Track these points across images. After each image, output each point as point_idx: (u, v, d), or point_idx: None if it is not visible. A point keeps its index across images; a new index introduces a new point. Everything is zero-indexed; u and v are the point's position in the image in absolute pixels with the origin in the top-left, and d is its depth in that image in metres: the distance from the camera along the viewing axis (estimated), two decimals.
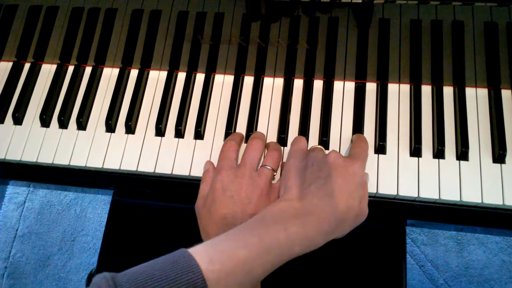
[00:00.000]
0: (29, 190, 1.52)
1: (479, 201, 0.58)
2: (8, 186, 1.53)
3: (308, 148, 0.61)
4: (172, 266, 0.40)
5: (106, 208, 1.45)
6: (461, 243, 1.29)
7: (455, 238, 1.30)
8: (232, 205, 0.56)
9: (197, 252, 0.43)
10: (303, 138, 0.61)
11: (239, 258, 0.43)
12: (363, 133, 0.63)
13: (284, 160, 0.62)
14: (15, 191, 1.53)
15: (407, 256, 1.30)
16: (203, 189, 0.60)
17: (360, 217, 0.55)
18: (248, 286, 0.44)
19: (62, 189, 1.47)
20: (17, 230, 1.48)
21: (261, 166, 0.60)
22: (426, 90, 0.65)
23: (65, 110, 0.69)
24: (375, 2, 0.60)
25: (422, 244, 1.30)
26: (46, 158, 0.67)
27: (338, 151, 0.63)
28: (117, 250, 0.77)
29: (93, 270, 0.92)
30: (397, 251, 0.72)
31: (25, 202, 1.51)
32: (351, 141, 0.63)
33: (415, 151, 0.61)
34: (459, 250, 1.29)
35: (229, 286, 0.42)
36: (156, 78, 0.71)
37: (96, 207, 1.48)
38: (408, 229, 1.32)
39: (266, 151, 0.62)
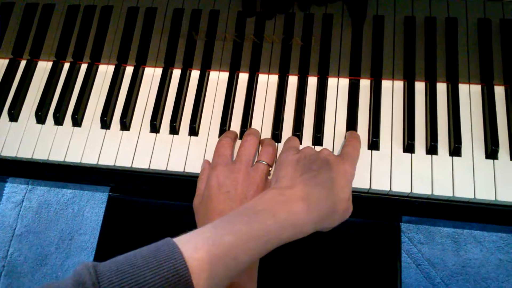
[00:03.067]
0: (27, 189, 1.52)
1: (472, 196, 0.58)
2: (6, 185, 1.54)
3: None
4: (155, 254, 0.40)
5: (103, 207, 1.45)
6: (458, 241, 1.29)
7: (452, 237, 1.30)
8: (228, 201, 0.56)
9: (181, 240, 0.43)
10: (296, 138, 0.62)
11: (224, 245, 0.43)
12: (356, 130, 0.63)
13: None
14: (13, 190, 1.53)
15: (404, 255, 1.30)
16: (200, 187, 0.61)
17: (347, 212, 0.55)
18: (235, 273, 0.44)
19: (60, 187, 1.48)
20: (14, 229, 1.48)
21: (256, 162, 0.60)
22: (420, 87, 0.65)
23: (60, 107, 0.69)
24: None
25: (419, 243, 1.30)
26: (41, 154, 0.67)
27: (332, 146, 0.63)
28: (114, 247, 0.77)
29: None
30: (392, 248, 0.72)
31: (23, 201, 1.51)
32: (345, 138, 0.63)
33: (408, 147, 0.61)
34: (456, 249, 1.29)
35: (214, 272, 0.41)
36: (151, 75, 0.71)
37: (93, 206, 1.48)
38: (405, 228, 1.32)
39: (260, 147, 0.63)
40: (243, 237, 0.44)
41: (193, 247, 0.42)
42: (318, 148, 0.63)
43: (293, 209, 0.48)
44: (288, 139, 0.62)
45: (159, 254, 0.40)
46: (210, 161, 0.63)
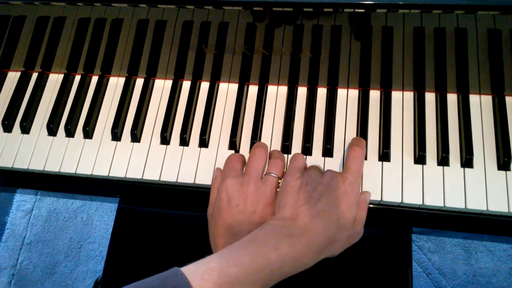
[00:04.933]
0: (37, 198, 1.54)
1: (484, 208, 0.58)
2: (16, 194, 1.55)
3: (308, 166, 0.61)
4: (164, 284, 0.41)
5: (112, 216, 1.46)
6: (468, 250, 1.28)
7: (462, 246, 1.29)
8: (237, 214, 0.56)
9: (188, 270, 0.44)
10: (302, 155, 0.61)
11: (230, 276, 0.44)
12: (367, 141, 0.63)
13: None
14: (23, 199, 1.54)
15: (414, 263, 1.29)
16: (211, 197, 0.61)
17: (353, 238, 0.56)
18: None
19: (69, 196, 1.48)
20: (24, 237, 1.49)
21: (265, 174, 0.60)
22: (430, 98, 0.65)
23: (71, 119, 0.70)
24: (377, 11, 0.61)
25: (429, 252, 1.29)
26: (53, 166, 0.67)
27: (342, 157, 0.63)
28: (123, 257, 0.78)
29: (99, 278, 0.92)
30: (402, 258, 0.72)
31: (32, 209, 1.52)
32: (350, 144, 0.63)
33: (420, 159, 0.61)
34: (467, 258, 1.27)
35: None
36: (162, 87, 0.72)
37: (102, 215, 1.49)
38: (415, 237, 1.31)
39: (269, 159, 0.63)
40: (247, 270, 0.45)
41: (200, 277, 0.43)
42: (328, 160, 0.63)
43: (294, 243, 0.50)
44: (293, 158, 0.61)
45: (168, 284, 0.41)
46: (222, 168, 0.63)
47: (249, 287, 0.45)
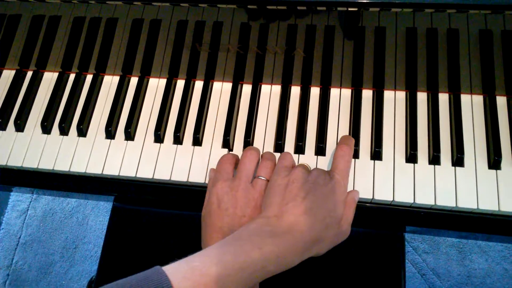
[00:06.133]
0: (32, 198, 1.53)
1: (475, 207, 0.58)
2: (11, 194, 1.55)
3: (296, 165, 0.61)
4: (144, 282, 0.41)
5: (107, 216, 1.46)
6: (462, 251, 1.29)
7: (456, 247, 1.29)
8: (227, 217, 0.56)
9: (170, 269, 0.44)
10: (289, 154, 0.61)
11: (211, 275, 0.43)
12: (359, 140, 0.63)
13: None
14: (18, 198, 1.54)
15: (409, 264, 1.29)
16: (205, 198, 0.61)
17: (340, 237, 0.55)
18: None
19: (64, 196, 1.49)
20: (19, 237, 1.49)
21: (255, 177, 0.60)
22: (422, 97, 0.65)
23: (66, 117, 0.70)
24: (370, 10, 0.61)
25: (424, 253, 1.29)
26: (46, 164, 0.67)
27: (328, 160, 0.63)
28: (118, 257, 0.78)
29: (93, 277, 0.92)
30: (395, 258, 0.72)
31: (28, 209, 1.52)
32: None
33: (411, 157, 0.61)
34: (461, 259, 1.28)
35: None
36: (156, 85, 0.72)
37: (98, 215, 1.48)
38: (409, 237, 1.32)
39: (260, 160, 0.63)
40: (230, 268, 0.45)
41: (182, 276, 0.43)
42: (320, 158, 0.63)
43: (279, 242, 0.49)
44: (281, 158, 0.61)
45: (148, 283, 0.41)
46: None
47: (232, 286, 0.45)
